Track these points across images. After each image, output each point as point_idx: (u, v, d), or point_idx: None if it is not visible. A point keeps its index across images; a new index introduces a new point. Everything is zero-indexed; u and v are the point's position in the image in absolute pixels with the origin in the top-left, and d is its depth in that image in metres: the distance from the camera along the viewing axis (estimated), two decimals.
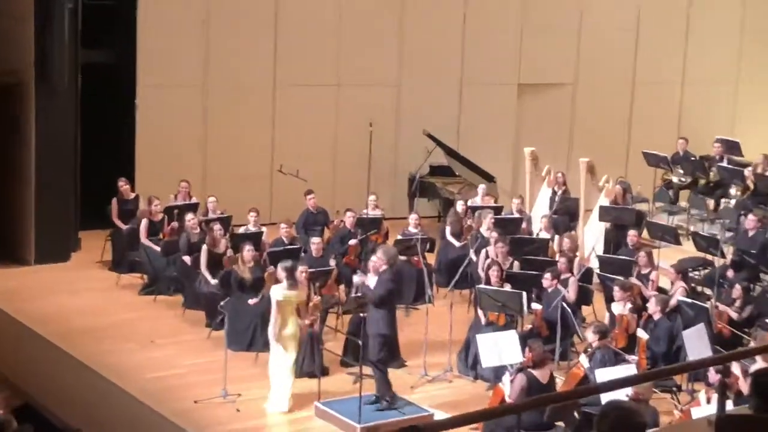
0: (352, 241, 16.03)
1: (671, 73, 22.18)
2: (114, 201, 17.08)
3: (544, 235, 16.43)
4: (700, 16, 22.25)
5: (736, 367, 11.57)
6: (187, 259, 15.56)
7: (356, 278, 14.12)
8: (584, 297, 14.73)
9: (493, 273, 14.12)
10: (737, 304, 14.06)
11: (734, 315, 13.92)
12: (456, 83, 20.64)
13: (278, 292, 12.63)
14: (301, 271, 13.35)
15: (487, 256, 15.16)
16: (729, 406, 8.50)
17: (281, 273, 12.78)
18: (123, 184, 17.19)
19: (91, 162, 17.74)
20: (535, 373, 11.63)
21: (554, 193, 18.09)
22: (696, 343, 12.64)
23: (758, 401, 5.68)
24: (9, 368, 14.49)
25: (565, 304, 13.75)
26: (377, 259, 12.48)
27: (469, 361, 13.67)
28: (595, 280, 15.32)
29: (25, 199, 17.01)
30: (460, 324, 14.17)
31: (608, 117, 21.64)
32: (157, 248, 16.12)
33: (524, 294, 13.58)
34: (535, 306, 14.00)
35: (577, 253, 15.86)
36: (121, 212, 17.03)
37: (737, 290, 14.18)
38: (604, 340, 12.57)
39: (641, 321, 13.62)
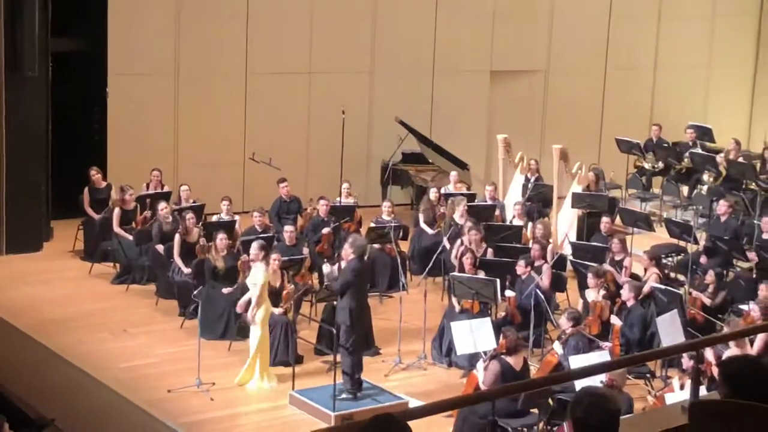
0: (325, 230, 15.98)
1: (643, 59, 22.20)
2: (86, 190, 16.97)
3: (518, 222, 16.44)
4: (672, 1, 22.25)
5: (709, 353, 11.62)
6: (159, 248, 15.49)
7: (326, 268, 14.15)
8: (558, 284, 14.75)
9: (467, 260, 14.11)
10: (710, 290, 14.11)
11: (707, 301, 13.96)
12: (428, 70, 20.60)
13: (260, 274, 12.70)
14: (274, 260, 13.34)
15: (461, 244, 15.15)
16: (702, 392, 8.54)
17: (260, 253, 12.83)
18: (95, 173, 17.08)
19: (62, 151, 17.63)
20: (509, 359, 11.64)
21: (527, 180, 18.09)
22: (669, 330, 12.67)
23: (727, 390, 5.69)
24: None
25: (538, 291, 13.76)
26: (344, 250, 12.51)
27: (443, 348, 13.68)
28: (569, 266, 15.33)
29: None
30: (434, 312, 14.16)
31: (581, 103, 21.64)
32: (130, 237, 16.04)
33: (498, 281, 13.59)
34: (509, 293, 14.01)
35: (551, 240, 15.89)
36: (93, 201, 16.93)
37: (710, 276, 14.23)
38: (578, 326, 12.61)
39: (615, 307, 13.65)
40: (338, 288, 12.42)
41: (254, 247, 13.09)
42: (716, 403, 5.82)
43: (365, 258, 12.76)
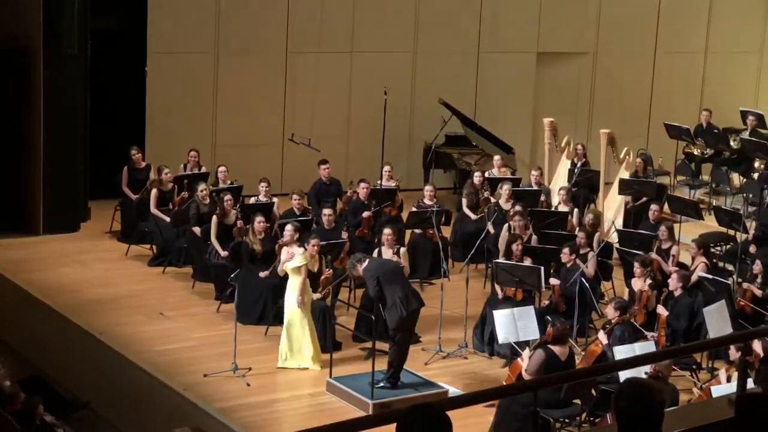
0: (366, 213, 15.75)
1: (694, 43, 21.84)
2: (125, 169, 16.85)
3: (563, 208, 16.13)
4: None
5: (757, 345, 11.35)
6: (196, 230, 15.33)
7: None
8: (603, 272, 14.47)
9: (516, 246, 13.84)
10: (758, 280, 13.77)
11: (758, 292, 13.62)
12: (473, 51, 20.31)
13: (299, 257, 12.64)
14: (313, 245, 13.09)
15: (508, 230, 14.87)
16: (750, 384, 8.28)
17: (295, 234, 12.66)
18: (135, 153, 16.94)
19: (100, 131, 17.54)
20: (554, 349, 11.40)
21: (574, 165, 17.79)
22: (716, 320, 12.47)
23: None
24: (17, 340, 14.40)
25: (583, 280, 13.47)
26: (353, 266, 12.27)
27: (485, 337, 13.43)
28: (615, 255, 15.03)
29: (33, 168, 16.80)
30: (476, 299, 13.95)
31: (629, 87, 21.32)
32: (167, 219, 15.89)
33: (542, 269, 13.31)
34: (553, 281, 13.74)
35: (598, 229, 15.58)
36: (131, 182, 16.81)
37: (758, 266, 13.91)
38: (624, 316, 12.35)
39: (661, 297, 13.36)
40: (372, 295, 12.17)
41: (288, 229, 12.86)
42: (765, 396, 5.70)
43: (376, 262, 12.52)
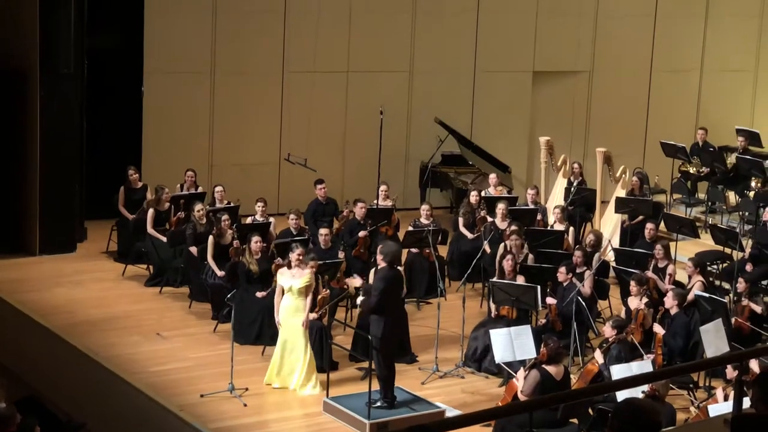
0: (362, 233, 15.73)
1: (690, 61, 21.86)
2: (122, 189, 16.82)
3: (558, 227, 16.12)
4: (719, 1, 21.87)
5: (754, 364, 11.33)
6: (193, 249, 15.30)
7: (356, 280, 14.03)
8: (600, 291, 14.44)
9: (507, 263, 13.82)
10: (743, 298, 13.74)
11: (758, 309, 13.58)
12: (469, 70, 20.33)
13: (306, 276, 12.58)
14: (311, 265, 13.04)
15: (505, 249, 14.86)
16: (747, 404, 8.26)
17: (302, 254, 12.64)
18: (132, 173, 16.92)
19: (96, 150, 17.54)
20: (549, 369, 11.40)
21: (570, 183, 17.80)
22: (713, 339, 12.42)
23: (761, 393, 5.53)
24: (13, 360, 14.35)
25: (580, 299, 13.45)
26: (377, 256, 12.31)
27: (472, 353, 13.39)
28: (612, 273, 15.01)
29: (29, 188, 16.76)
30: (472, 318, 13.92)
31: (625, 106, 21.34)
32: (164, 239, 15.87)
33: (539, 288, 13.29)
34: (550, 300, 13.72)
35: (599, 250, 15.55)
36: (128, 201, 16.79)
37: (741, 284, 13.95)
38: (621, 335, 12.33)
39: (657, 316, 13.34)
40: (374, 305, 12.03)
41: (297, 250, 12.78)
42: (759, 417, 5.67)
43: (396, 265, 12.44)
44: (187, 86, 18.47)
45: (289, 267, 12.71)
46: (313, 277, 12.74)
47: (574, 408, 11.17)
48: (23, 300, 15.00)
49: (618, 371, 11.44)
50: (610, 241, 16.76)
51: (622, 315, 13.48)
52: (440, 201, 19.63)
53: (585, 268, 14.27)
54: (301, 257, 12.64)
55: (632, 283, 13.54)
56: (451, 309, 14.17)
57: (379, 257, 12.24)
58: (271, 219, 15.90)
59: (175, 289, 15.56)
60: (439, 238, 15.86)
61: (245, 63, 18.78)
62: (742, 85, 22.38)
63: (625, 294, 14.04)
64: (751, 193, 18.28)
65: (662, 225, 16.69)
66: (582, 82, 21.27)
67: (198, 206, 15.58)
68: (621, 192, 17.42)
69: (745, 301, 13.66)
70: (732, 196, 19.04)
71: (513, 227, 15.16)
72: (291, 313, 12.61)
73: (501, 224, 15.91)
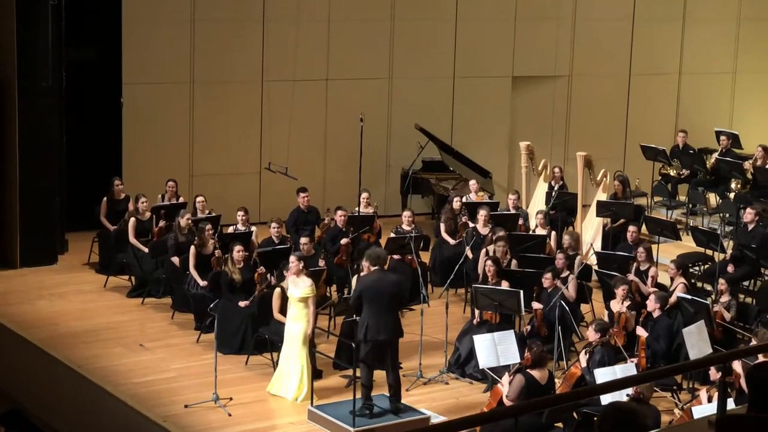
0: (344, 240, 15.71)
1: (668, 64, 21.92)
2: (104, 200, 16.74)
3: (540, 231, 16.13)
4: (697, 4, 21.96)
5: (737, 365, 11.36)
6: (175, 260, 15.26)
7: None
8: (582, 294, 14.45)
9: (489, 267, 13.81)
10: (724, 298, 13.74)
11: (728, 315, 13.58)
12: (449, 76, 20.34)
13: (307, 288, 12.55)
14: (294, 272, 13.02)
15: (486, 254, 14.85)
16: (731, 404, 8.29)
17: (300, 264, 12.62)
18: (118, 184, 16.83)
19: (76, 162, 17.46)
20: (534, 373, 11.40)
21: (551, 188, 17.82)
22: (696, 341, 12.43)
23: (752, 398, 5.52)
24: None
25: (563, 303, 13.45)
26: (363, 263, 12.30)
27: (459, 358, 13.38)
28: (594, 276, 15.03)
29: (9, 200, 16.69)
30: (456, 324, 13.94)
31: (605, 109, 21.38)
32: (146, 249, 15.81)
33: (521, 293, 13.28)
34: (536, 305, 13.71)
35: (578, 251, 15.57)
36: (110, 213, 16.70)
37: (722, 284, 13.92)
38: (604, 338, 12.33)
39: (640, 318, 13.36)
40: (351, 303, 12.09)
41: (293, 260, 12.72)
42: (743, 418, 5.70)
43: (384, 268, 12.42)
44: (166, 96, 18.44)
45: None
46: (313, 288, 12.68)
47: (560, 412, 11.16)
48: (5, 313, 14.95)
49: (602, 374, 11.45)
50: (592, 244, 16.78)
51: (605, 318, 13.50)
52: (422, 207, 19.63)
53: (568, 272, 14.29)
54: (300, 267, 12.63)
55: (619, 285, 13.52)
56: (435, 315, 14.18)
57: (364, 263, 12.21)
58: (253, 228, 15.86)
59: (158, 300, 15.51)
60: (422, 244, 15.86)
61: (224, 72, 18.76)
62: (721, 87, 22.45)
63: (608, 297, 14.05)
64: (732, 195, 18.33)
65: (644, 228, 16.72)
66: (561, 87, 21.31)
67: (186, 216, 15.53)
68: (602, 195, 17.44)
69: (716, 307, 13.66)
70: (713, 198, 19.09)
71: (500, 233, 15.14)
72: (289, 321, 12.63)
73: (482, 230, 15.91)
